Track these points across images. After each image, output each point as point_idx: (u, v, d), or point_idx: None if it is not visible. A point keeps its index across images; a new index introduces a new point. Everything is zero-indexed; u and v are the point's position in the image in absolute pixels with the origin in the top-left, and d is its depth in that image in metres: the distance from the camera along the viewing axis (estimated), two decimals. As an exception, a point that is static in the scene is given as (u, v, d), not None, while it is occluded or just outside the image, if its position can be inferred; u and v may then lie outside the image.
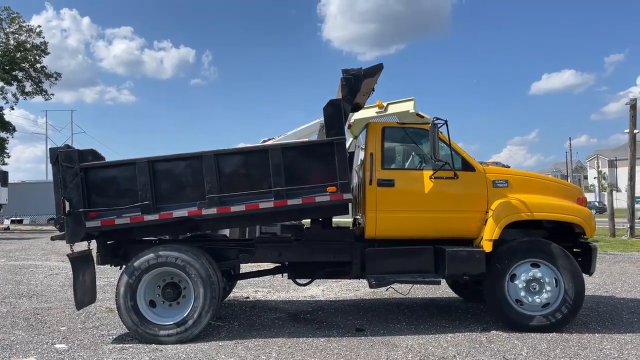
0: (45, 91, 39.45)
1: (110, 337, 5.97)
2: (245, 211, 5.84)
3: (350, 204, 6.35)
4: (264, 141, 9.03)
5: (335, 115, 5.89)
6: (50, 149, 5.99)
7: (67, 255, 6.01)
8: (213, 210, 5.79)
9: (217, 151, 5.87)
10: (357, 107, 7.46)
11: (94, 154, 6.21)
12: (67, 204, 5.72)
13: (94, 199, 5.85)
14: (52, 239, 6.20)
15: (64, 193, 5.76)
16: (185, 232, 7.73)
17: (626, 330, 6.11)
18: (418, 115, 8.13)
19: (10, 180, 38.55)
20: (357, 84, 5.98)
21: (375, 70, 6.21)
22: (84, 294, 6.11)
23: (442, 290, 8.61)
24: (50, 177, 6.16)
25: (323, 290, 8.99)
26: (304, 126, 9.88)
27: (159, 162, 5.92)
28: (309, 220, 7.79)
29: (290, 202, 5.79)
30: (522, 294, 5.96)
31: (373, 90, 6.99)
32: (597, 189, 72.03)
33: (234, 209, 5.82)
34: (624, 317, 6.76)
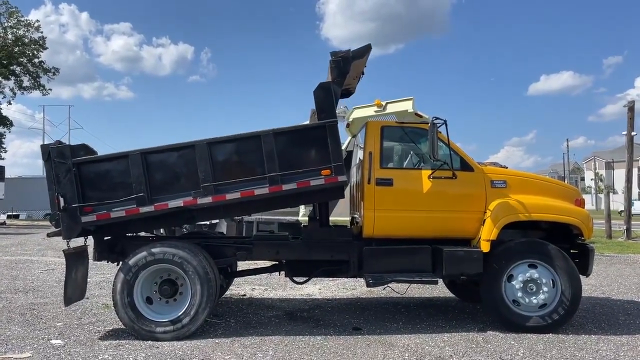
0: (43, 86, 39.38)
1: (107, 334, 5.95)
2: (241, 198, 5.82)
3: (345, 187, 6.32)
4: None
5: (326, 98, 5.87)
6: (41, 145, 5.92)
7: (63, 251, 5.99)
8: (208, 199, 5.78)
9: (209, 140, 5.85)
10: (349, 93, 7.46)
11: (86, 149, 6.20)
12: (61, 199, 5.70)
13: (89, 194, 5.82)
14: (49, 235, 6.18)
15: (58, 189, 5.73)
16: (182, 224, 7.70)
17: (622, 332, 6.12)
18: (417, 114, 8.15)
19: (7, 175, 38.48)
20: (346, 65, 5.96)
21: (363, 52, 6.19)
22: (74, 291, 6.09)
23: (439, 290, 8.62)
24: (48, 173, 6.12)
25: (320, 289, 8.99)
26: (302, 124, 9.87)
27: (151, 153, 5.90)
28: (306, 218, 7.78)
29: (285, 187, 5.77)
30: (519, 294, 5.96)
31: (363, 74, 6.99)
32: (593, 190, 72.22)
33: (229, 196, 5.80)
34: (620, 319, 6.78)
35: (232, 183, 5.82)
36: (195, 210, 6.02)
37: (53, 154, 5.77)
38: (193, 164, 5.82)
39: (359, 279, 7.01)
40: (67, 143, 6.26)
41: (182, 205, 5.81)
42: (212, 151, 5.82)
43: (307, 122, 9.50)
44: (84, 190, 5.81)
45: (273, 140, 5.77)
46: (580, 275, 6.12)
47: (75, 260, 6.08)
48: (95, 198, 5.83)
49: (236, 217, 14.52)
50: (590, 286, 9.05)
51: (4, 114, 38.65)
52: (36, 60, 38.13)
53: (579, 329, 6.19)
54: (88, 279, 6.54)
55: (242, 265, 7.97)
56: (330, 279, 9.37)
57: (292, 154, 5.86)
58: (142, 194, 5.77)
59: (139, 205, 5.78)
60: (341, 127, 9.94)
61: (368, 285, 6.18)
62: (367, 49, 6.22)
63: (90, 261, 6.40)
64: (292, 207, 6.80)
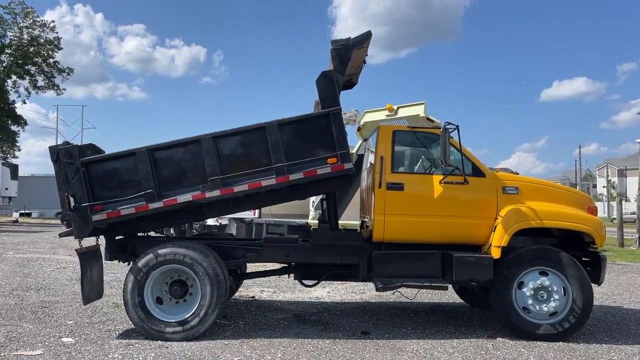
0: (57, 86, 39.85)
1: (117, 333, 6.00)
2: (248, 190, 5.84)
3: (351, 174, 6.30)
4: None
5: (328, 86, 5.89)
6: (49, 147, 5.97)
7: (76, 250, 6.04)
8: (216, 192, 5.80)
9: (215, 134, 5.88)
10: (352, 84, 7.46)
11: (93, 148, 6.27)
12: (71, 199, 5.75)
13: (98, 193, 5.87)
14: (60, 235, 6.21)
15: (68, 189, 5.79)
16: (191, 221, 7.71)
17: (634, 341, 6.06)
18: (428, 119, 8.12)
19: (20, 173, 38.86)
20: (347, 53, 5.97)
21: (364, 39, 6.21)
22: (91, 290, 6.14)
23: (449, 295, 8.58)
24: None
25: (329, 292, 8.99)
26: None
27: (158, 150, 5.94)
28: (316, 221, 7.78)
29: (292, 177, 5.79)
30: (530, 301, 5.92)
31: (365, 63, 6.98)
32: (605, 198, 71.52)
33: (237, 189, 5.83)
34: (632, 328, 6.71)
35: (239, 175, 5.85)
36: (204, 205, 6.06)
37: (61, 154, 5.83)
38: (200, 159, 5.86)
39: (368, 283, 6.99)
40: (78, 143, 6.31)
41: (190, 199, 5.84)
42: (218, 145, 5.85)
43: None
44: (94, 189, 5.86)
45: (278, 131, 5.80)
46: (592, 284, 6.06)
47: (89, 259, 6.13)
48: (105, 196, 5.88)
49: (246, 219, 14.61)
50: (602, 295, 8.96)
51: (18, 113, 39.15)
52: (51, 60, 38.61)
53: (590, 337, 6.13)
54: (99, 278, 6.58)
55: (251, 267, 7.98)
56: (339, 282, 9.35)
57: (297, 144, 5.87)
58: (150, 191, 5.81)
59: (148, 202, 5.82)
60: (352, 130, 9.95)
61: (377, 290, 6.17)
62: (367, 36, 6.22)
63: (102, 260, 6.46)
64: (300, 199, 6.76)
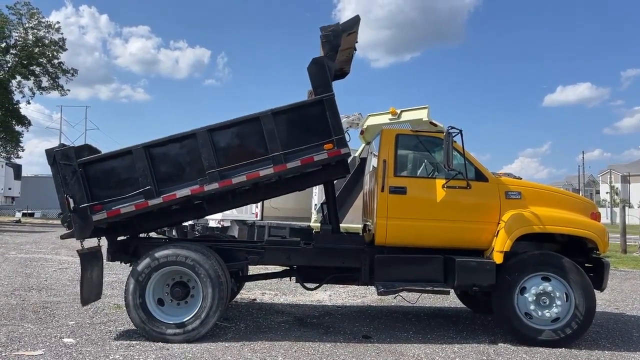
0: (62, 87, 39.97)
1: (118, 334, 5.99)
2: (247, 181, 5.84)
3: (349, 160, 6.32)
4: None
5: (320, 73, 5.89)
6: (46, 150, 5.97)
7: (77, 251, 6.04)
8: (215, 185, 5.79)
9: (210, 127, 5.88)
10: (344, 73, 7.46)
11: (89, 149, 6.28)
12: (70, 201, 5.76)
13: (97, 192, 5.87)
14: (62, 237, 6.20)
15: (66, 191, 5.80)
16: (193, 219, 7.69)
17: (636, 348, 6.02)
18: (431, 123, 8.12)
19: (24, 173, 38.96)
20: (336, 39, 5.99)
21: (353, 24, 6.22)
22: (90, 291, 6.14)
23: (450, 300, 8.56)
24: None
25: (330, 296, 8.97)
26: None
27: (154, 146, 5.93)
28: (318, 224, 7.78)
29: (289, 165, 5.79)
30: (532, 307, 5.90)
31: (355, 50, 6.97)
32: (607, 204, 71.32)
33: (235, 180, 5.82)
34: (634, 335, 6.67)
35: (236, 167, 5.85)
36: (205, 200, 6.04)
37: (58, 157, 5.83)
38: (196, 153, 5.85)
39: (369, 286, 6.98)
40: (80, 144, 6.34)
41: (189, 194, 5.83)
42: (214, 138, 5.85)
43: None
44: (92, 189, 5.86)
45: (273, 121, 5.81)
46: (595, 290, 6.04)
47: (90, 260, 6.13)
48: (104, 196, 5.88)
49: (248, 221, 14.61)
50: (604, 301, 8.92)
51: (22, 114, 39.27)
52: (55, 61, 38.71)
53: (592, 344, 6.10)
54: (101, 279, 6.59)
55: (253, 270, 7.98)
56: (341, 285, 9.34)
57: (293, 132, 5.88)
58: (149, 187, 5.81)
59: (147, 199, 5.81)
60: (355, 134, 9.97)
61: (379, 294, 6.16)
62: (356, 21, 6.24)
63: (104, 261, 6.46)
64: (299, 189, 6.76)
